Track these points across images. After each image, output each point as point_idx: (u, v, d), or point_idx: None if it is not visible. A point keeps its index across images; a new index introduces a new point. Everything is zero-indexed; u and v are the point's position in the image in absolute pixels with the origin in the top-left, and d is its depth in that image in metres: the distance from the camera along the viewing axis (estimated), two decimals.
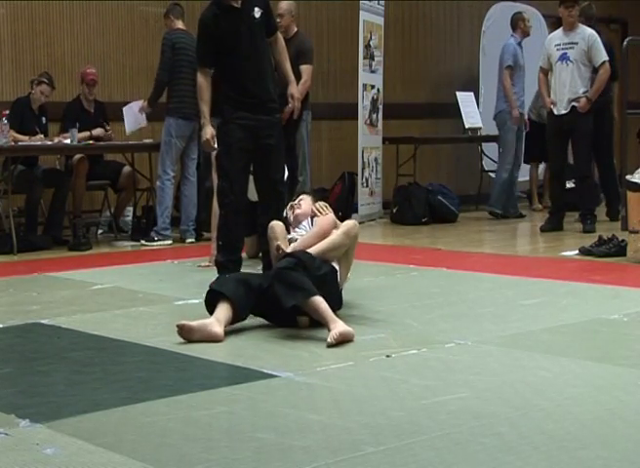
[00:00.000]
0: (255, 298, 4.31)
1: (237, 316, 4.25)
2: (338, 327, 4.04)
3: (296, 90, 5.85)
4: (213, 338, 4.11)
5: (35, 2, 8.46)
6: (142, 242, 7.87)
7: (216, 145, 5.57)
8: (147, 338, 4.18)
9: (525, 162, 9.99)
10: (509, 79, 9.34)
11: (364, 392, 3.29)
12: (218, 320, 4.17)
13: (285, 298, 4.12)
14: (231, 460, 2.62)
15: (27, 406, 3.16)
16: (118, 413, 3.08)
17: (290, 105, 5.87)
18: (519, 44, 9.64)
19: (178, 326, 4.11)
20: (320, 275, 4.35)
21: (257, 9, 5.56)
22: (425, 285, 5.62)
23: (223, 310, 4.21)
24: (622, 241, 6.62)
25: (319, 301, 4.14)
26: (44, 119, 8.03)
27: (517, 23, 9.66)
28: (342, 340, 4.02)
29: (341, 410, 3.07)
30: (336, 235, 4.57)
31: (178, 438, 2.81)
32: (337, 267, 4.58)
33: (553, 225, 8.32)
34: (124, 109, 8.16)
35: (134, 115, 8.13)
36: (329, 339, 3.99)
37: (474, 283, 5.65)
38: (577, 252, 6.81)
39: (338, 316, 4.22)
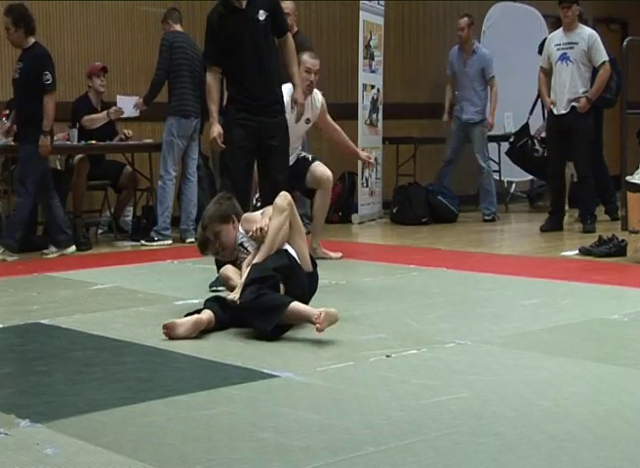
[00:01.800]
0: (229, 308, 4.30)
1: (218, 319, 4.25)
2: (321, 312, 3.98)
3: (300, 95, 5.86)
4: (197, 325, 4.14)
5: (35, 2, 8.46)
6: (142, 242, 7.87)
7: (222, 144, 5.63)
8: (147, 338, 4.18)
9: None
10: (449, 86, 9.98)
11: (364, 392, 3.28)
12: (199, 314, 4.23)
13: (264, 327, 4.10)
14: (231, 460, 2.62)
15: (27, 406, 3.17)
16: (118, 413, 3.08)
17: (297, 109, 5.89)
18: (460, 48, 9.71)
19: (163, 326, 4.13)
20: (281, 268, 4.35)
21: (261, 11, 5.55)
22: (425, 285, 5.62)
23: (204, 311, 4.25)
24: (622, 241, 6.63)
25: (294, 305, 4.11)
26: None
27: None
28: (330, 320, 3.98)
29: (341, 410, 3.07)
30: (272, 220, 4.51)
31: (178, 438, 2.81)
32: (288, 247, 4.54)
33: (553, 225, 8.32)
34: (118, 98, 8.16)
35: (127, 106, 8.12)
36: (317, 325, 3.95)
37: (474, 283, 5.64)
38: (577, 252, 6.82)
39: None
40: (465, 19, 9.60)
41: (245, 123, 5.55)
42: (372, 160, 6.95)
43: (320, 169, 6.70)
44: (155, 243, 7.83)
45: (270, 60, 5.62)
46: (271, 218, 4.53)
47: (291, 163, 6.36)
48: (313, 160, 6.78)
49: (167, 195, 7.92)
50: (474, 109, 9.61)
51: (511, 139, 10.03)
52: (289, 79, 5.84)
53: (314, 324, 3.98)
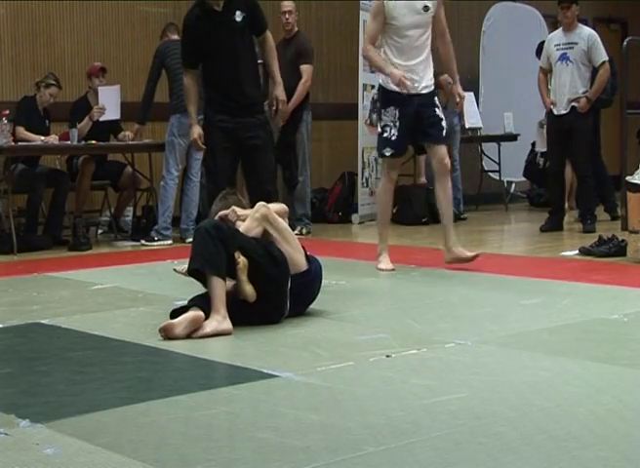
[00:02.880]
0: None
1: (207, 317, 4.23)
2: (213, 320, 4.13)
3: (281, 92, 5.84)
4: (195, 322, 4.13)
5: (35, 2, 8.47)
6: (143, 242, 7.87)
7: (203, 145, 5.73)
8: (147, 338, 4.18)
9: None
10: None
11: (364, 392, 3.28)
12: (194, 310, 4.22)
13: (193, 261, 4.23)
14: (231, 460, 2.62)
15: (27, 406, 3.16)
16: (118, 413, 3.07)
17: (280, 108, 5.88)
18: None
19: (159, 330, 4.13)
20: (248, 245, 4.32)
21: (238, 12, 5.56)
22: (425, 285, 5.62)
23: (192, 309, 4.24)
24: (622, 241, 6.62)
25: (215, 282, 4.16)
26: (47, 121, 8.02)
27: None
28: (213, 335, 4.12)
29: (341, 410, 3.07)
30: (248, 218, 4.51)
31: (178, 438, 2.81)
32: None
33: (553, 225, 8.32)
34: (99, 90, 8.11)
35: (109, 98, 8.07)
36: (200, 330, 4.12)
37: (474, 283, 5.64)
38: (577, 252, 6.82)
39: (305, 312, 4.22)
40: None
41: (223, 124, 5.61)
42: (463, 96, 6.20)
43: (442, 152, 6.08)
44: (155, 243, 7.83)
45: (247, 62, 5.64)
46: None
47: (427, 87, 6.16)
48: (439, 138, 6.06)
49: (168, 195, 7.92)
50: (454, 123, 9.72)
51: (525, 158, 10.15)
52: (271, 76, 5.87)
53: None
